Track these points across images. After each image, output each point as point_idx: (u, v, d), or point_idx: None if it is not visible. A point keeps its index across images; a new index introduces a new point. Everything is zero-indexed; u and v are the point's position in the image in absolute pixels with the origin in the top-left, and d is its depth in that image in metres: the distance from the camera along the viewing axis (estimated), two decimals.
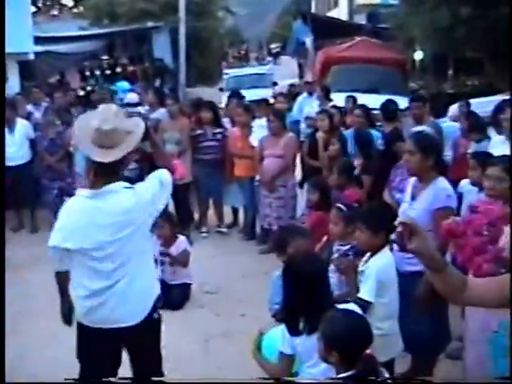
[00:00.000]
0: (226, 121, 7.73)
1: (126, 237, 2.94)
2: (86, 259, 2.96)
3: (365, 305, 3.15)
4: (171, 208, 6.73)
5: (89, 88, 16.19)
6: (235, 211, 7.75)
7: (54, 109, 8.38)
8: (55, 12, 29.13)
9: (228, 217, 7.69)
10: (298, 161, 7.77)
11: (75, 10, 28.67)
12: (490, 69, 13.57)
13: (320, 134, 6.74)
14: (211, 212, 7.55)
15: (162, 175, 3.15)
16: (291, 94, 13.33)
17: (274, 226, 6.49)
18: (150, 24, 17.34)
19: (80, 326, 3.09)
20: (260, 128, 7.03)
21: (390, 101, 7.00)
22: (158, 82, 17.71)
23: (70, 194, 4.41)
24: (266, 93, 14.21)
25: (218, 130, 7.23)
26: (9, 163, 7.29)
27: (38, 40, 12.71)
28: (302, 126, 8.87)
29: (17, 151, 7.47)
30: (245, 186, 7.15)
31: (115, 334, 3.01)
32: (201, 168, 7.16)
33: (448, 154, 6.09)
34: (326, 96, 9.25)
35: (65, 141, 7.48)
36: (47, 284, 3.62)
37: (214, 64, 23.33)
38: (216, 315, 5.22)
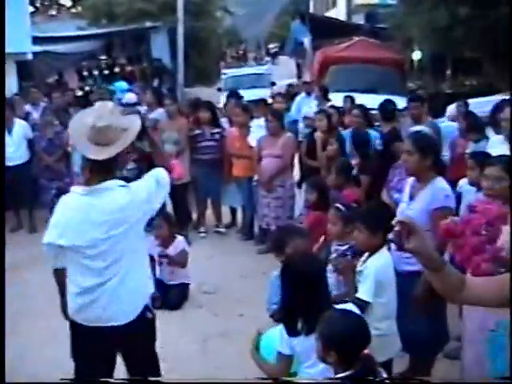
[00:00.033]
0: (224, 121, 7.73)
1: (119, 234, 2.92)
2: (78, 256, 2.94)
3: (363, 305, 3.15)
4: (169, 208, 6.75)
5: (87, 88, 16.22)
6: (233, 211, 7.75)
7: (52, 109, 8.38)
8: (53, 12, 29.06)
9: (226, 217, 7.68)
10: (296, 161, 7.79)
11: (73, 10, 28.62)
12: (489, 69, 13.57)
13: (318, 134, 6.74)
14: (209, 212, 7.54)
15: (158, 174, 3.12)
16: (289, 94, 13.36)
17: (272, 226, 6.48)
18: (148, 24, 17.33)
19: (74, 325, 3.06)
20: (258, 128, 7.01)
21: (388, 101, 7.01)
22: (156, 82, 17.74)
23: None
24: (264, 93, 14.19)
25: (216, 130, 7.23)
26: (7, 163, 7.29)
27: (36, 40, 12.65)
28: (300, 125, 8.86)
29: (15, 151, 7.46)
30: (243, 185, 7.14)
31: (108, 332, 2.98)
32: (199, 168, 7.15)
33: (446, 154, 6.09)
34: (324, 96, 9.27)
35: (63, 141, 7.49)
36: (46, 284, 3.62)
37: (212, 64, 23.34)
38: (214, 315, 5.22)
